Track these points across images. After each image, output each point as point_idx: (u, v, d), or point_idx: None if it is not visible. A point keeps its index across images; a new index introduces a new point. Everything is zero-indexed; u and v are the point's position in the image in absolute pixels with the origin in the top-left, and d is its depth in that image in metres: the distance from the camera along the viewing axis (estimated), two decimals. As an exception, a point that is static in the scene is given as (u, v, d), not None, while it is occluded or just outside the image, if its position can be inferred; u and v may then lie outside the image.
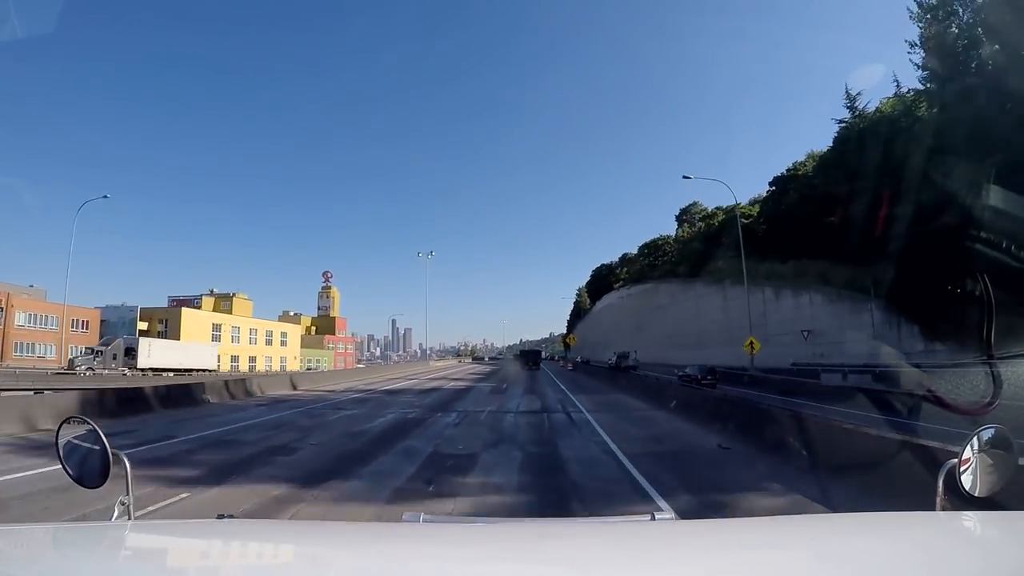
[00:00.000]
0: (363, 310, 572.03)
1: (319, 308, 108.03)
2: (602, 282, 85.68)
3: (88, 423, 1.54)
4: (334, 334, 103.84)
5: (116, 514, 1.44)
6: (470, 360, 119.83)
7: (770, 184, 55.33)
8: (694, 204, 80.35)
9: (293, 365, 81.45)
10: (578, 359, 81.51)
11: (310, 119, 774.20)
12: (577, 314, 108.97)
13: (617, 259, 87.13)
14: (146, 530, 1.59)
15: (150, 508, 5.73)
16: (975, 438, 1.42)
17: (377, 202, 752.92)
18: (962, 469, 1.38)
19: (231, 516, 1.68)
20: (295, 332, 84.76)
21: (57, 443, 1.54)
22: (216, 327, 69.58)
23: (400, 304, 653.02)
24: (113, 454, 1.47)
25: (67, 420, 1.59)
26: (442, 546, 1.35)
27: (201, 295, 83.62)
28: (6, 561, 1.08)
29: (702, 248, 58.16)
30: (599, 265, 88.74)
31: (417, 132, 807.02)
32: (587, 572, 1.15)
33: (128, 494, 1.44)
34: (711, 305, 54.48)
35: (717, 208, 63.75)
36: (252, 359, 74.14)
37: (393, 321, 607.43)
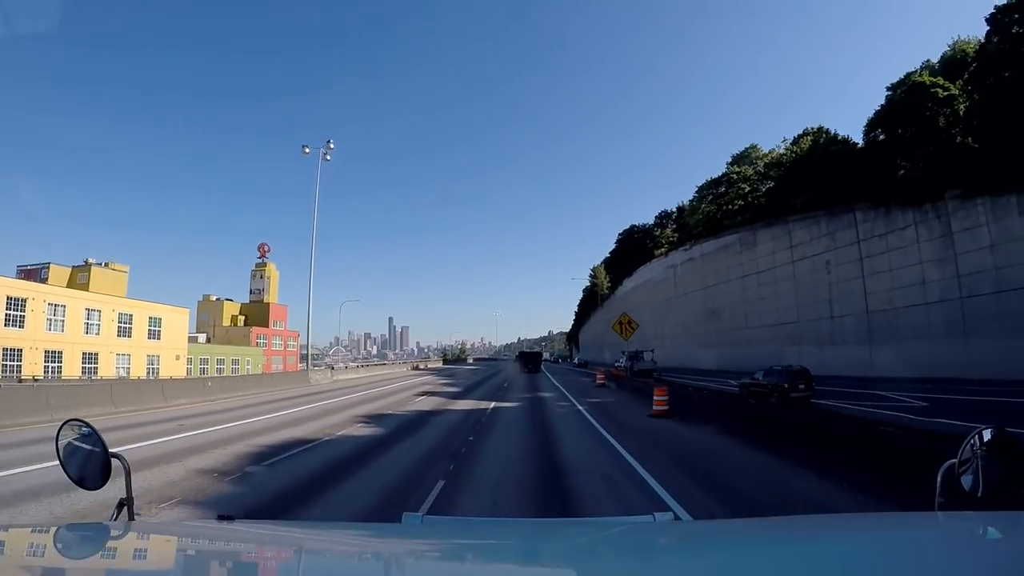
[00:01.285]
0: (360, 307, 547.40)
1: (251, 291, 79.13)
2: (634, 251, 57.17)
3: (88, 425, 1.50)
4: (267, 326, 75.11)
5: (116, 514, 1.41)
6: (440, 365, 75.82)
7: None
8: (752, 148, 52.13)
9: (173, 369, 52.62)
10: (575, 360, 53.16)
11: (310, 109, 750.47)
12: (590, 302, 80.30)
13: (653, 220, 58.52)
14: (146, 530, 1.51)
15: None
16: (975, 438, 1.34)
17: (373, 199, 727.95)
18: (961, 469, 1.33)
19: (231, 517, 1.56)
20: (176, 319, 55.68)
21: (57, 445, 1.49)
22: (16, 303, 40.85)
23: (398, 302, 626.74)
24: (113, 455, 1.44)
25: (67, 422, 1.53)
26: (442, 546, 1.32)
27: (48, 263, 54.90)
28: (6, 561, 1.06)
29: (863, 154, 29.66)
30: (628, 227, 60.17)
31: (414, 127, 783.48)
32: (588, 572, 1.13)
33: (128, 495, 1.40)
34: (906, 255, 25.75)
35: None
36: (91, 356, 45.44)
37: (390, 319, 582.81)
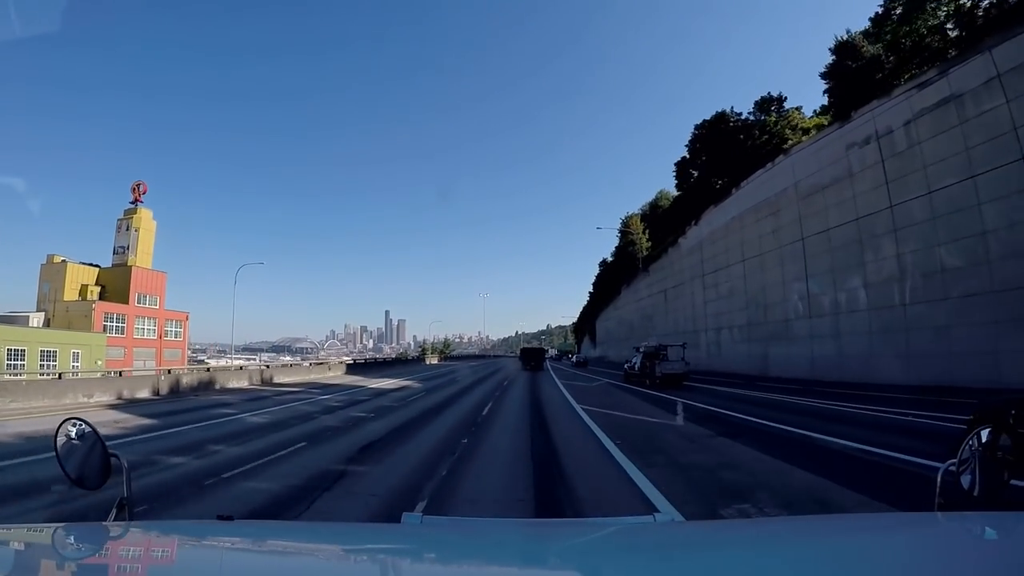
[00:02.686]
0: (358, 301, 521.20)
1: (115, 251, 51.60)
2: (724, 157, 29.57)
3: (86, 424, 1.46)
4: (127, 301, 47.66)
5: (115, 514, 1.37)
6: (306, 379, 27.36)
7: None
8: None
9: None
10: (573, 358, 55.89)
11: (308, 107, 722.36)
12: (618, 273, 52.84)
13: (750, 111, 30.72)
14: (145, 530, 1.46)
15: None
16: (973, 438, 1.32)
17: (373, 196, 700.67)
18: (960, 470, 1.32)
19: (230, 517, 1.50)
20: None
21: (55, 444, 1.44)
22: None
23: (396, 297, 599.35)
24: (112, 454, 1.41)
25: (65, 421, 1.49)
26: (442, 546, 1.28)
27: None
28: (5, 561, 1.04)
29: None
30: (713, 116, 31.72)
31: (414, 127, 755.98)
32: (588, 573, 1.11)
33: (127, 494, 1.37)
34: None
35: None
36: None
37: (386, 312, 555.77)
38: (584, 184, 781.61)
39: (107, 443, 1.47)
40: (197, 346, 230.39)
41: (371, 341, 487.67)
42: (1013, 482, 1.31)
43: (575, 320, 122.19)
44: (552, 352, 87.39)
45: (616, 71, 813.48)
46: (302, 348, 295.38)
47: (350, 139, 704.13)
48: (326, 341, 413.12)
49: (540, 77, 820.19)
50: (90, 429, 1.46)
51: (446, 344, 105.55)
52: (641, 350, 21.84)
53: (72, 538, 1.30)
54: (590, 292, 79.23)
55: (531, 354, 43.92)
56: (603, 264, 73.08)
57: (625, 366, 23.90)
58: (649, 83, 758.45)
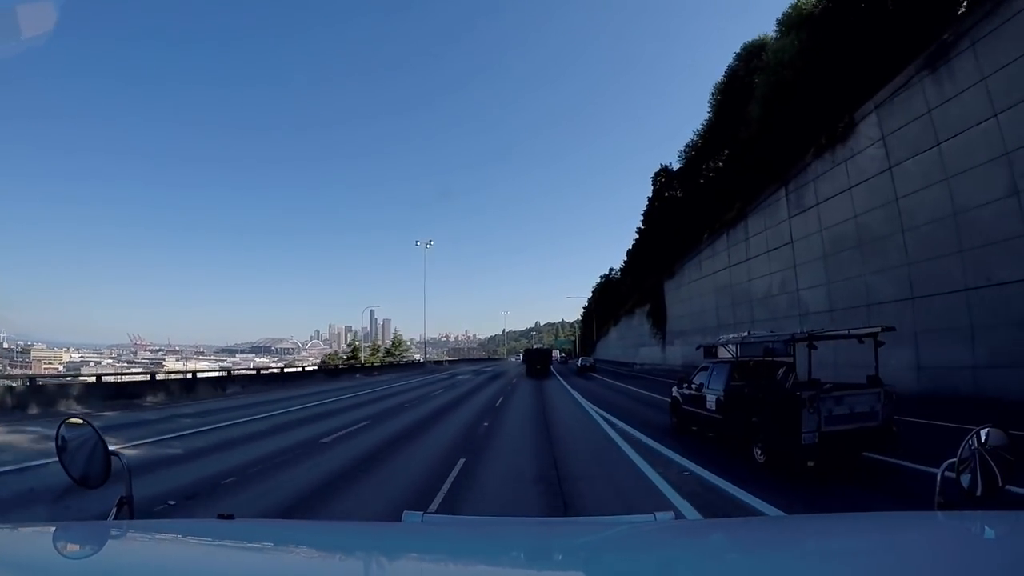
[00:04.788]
0: (344, 301, 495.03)
1: None
2: None
3: (87, 424, 1.45)
4: None
5: (116, 514, 1.36)
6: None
7: None
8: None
9: None
10: (576, 363, 47.80)
11: (297, 99, 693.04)
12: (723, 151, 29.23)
13: None
14: (146, 530, 1.42)
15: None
16: (974, 437, 1.32)
17: (360, 193, 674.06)
18: (961, 469, 1.31)
19: (231, 516, 1.45)
20: None
21: (57, 444, 1.44)
22: None
23: (391, 297, 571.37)
24: (113, 454, 1.41)
25: (66, 421, 1.47)
26: (443, 545, 1.26)
27: None
28: (5, 561, 1.02)
29: None
30: None
31: (409, 121, 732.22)
32: (588, 572, 1.11)
33: (128, 494, 1.36)
34: None
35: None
36: None
37: (371, 312, 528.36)
38: (581, 181, 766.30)
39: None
40: (176, 346, 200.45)
41: (356, 342, 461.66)
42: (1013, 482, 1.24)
43: (585, 305, 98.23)
44: (557, 355, 73.54)
45: (606, 58, 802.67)
46: (283, 349, 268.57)
47: (340, 132, 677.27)
48: (309, 341, 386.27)
49: (528, 65, 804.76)
50: (91, 428, 1.42)
51: (396, 343, 58.11)
52: (731, 354, 8.90)
53: (73, 537, 1.26)
54: (635, 241, 48.16)
55: (537, 357, 41.48)
56: (661, 176, 39.30)
57: (675, 393, 10.62)
58: (638, 72, 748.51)
